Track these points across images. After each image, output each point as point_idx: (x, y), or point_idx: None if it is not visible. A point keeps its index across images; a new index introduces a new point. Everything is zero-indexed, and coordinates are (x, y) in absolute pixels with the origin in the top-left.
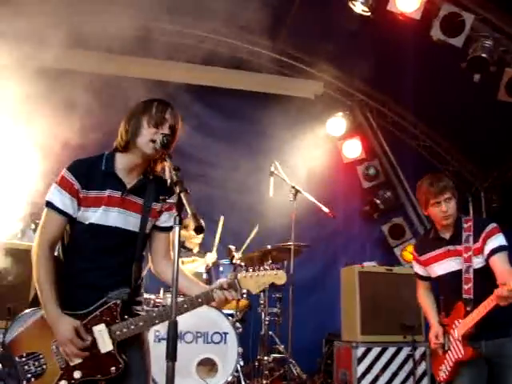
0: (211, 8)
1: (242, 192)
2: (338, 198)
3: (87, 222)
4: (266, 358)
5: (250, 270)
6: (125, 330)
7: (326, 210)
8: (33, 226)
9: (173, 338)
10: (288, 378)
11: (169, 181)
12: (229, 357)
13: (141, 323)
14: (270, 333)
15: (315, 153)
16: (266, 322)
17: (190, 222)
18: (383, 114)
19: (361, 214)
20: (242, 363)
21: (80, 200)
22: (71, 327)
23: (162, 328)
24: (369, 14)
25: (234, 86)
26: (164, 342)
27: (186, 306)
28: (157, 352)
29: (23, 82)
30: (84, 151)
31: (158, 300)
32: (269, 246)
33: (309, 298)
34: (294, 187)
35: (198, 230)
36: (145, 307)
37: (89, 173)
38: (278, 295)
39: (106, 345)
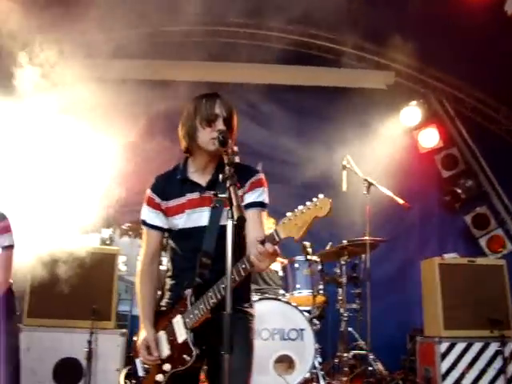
0: (275, 6)
1: (315, 188)
2: (416, 189)
3: (177, 228)
4: (345, 354)
5: (295, 211)
6: (191, 316)
7: (400, 201)
8: (118, 232)
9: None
10: (369, 375)
11: (220, 176)
12: (306, 353)
13: (201, 305)
14: (350, 329)
15: (390, 144)
16: (345, 318)
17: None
18: (460, 100)
19: (441, 205)
20: (320, 360)
21: (164, 211)
22: (145, 342)
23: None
24: None
25: (302, 82)
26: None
27: (232, 276)
28: None
29: (106, 91)
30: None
31: None
32: (344, 242)
33: (390, 293)
34: (366, 180)
35: (240, 220)
36: None
37: (166, 185)
38: (356, 291)
39: (181, 334)
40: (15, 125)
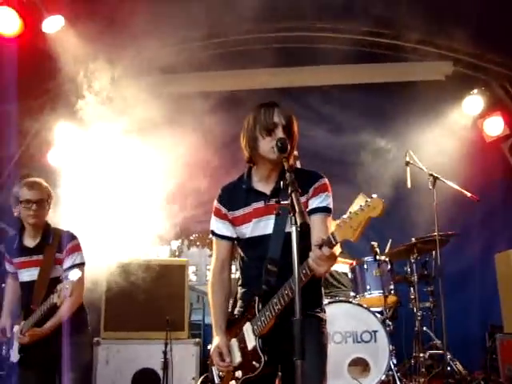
0: (332, 7)
1: (380, 187)
2: (484, 179)
3: (245, 237)
4: (421, 354)
5: (349, 213)
6: (259, 323)
7: (467, 193)
8: (187, 243)
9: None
10: (448, 375)
11: (282, 183)
12: (380, 355)
13: (267, 312)
14: (424, 328)
15: (454, 136)
16: (419, 318)
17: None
18: None
19: None
20: (395, 361)
21: (231, 221)
22: (217, 349)
23: None
24: None
25: (359, 80)
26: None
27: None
28: None
29: (170, 106)
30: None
31: None
32: (413, 239)
33: (464, 290)
34: (431, 175)
35: (303, 226)
36: None
37: (231, 195)
38: (429, 289)
39: (250, 341)
40: (89, 145)
